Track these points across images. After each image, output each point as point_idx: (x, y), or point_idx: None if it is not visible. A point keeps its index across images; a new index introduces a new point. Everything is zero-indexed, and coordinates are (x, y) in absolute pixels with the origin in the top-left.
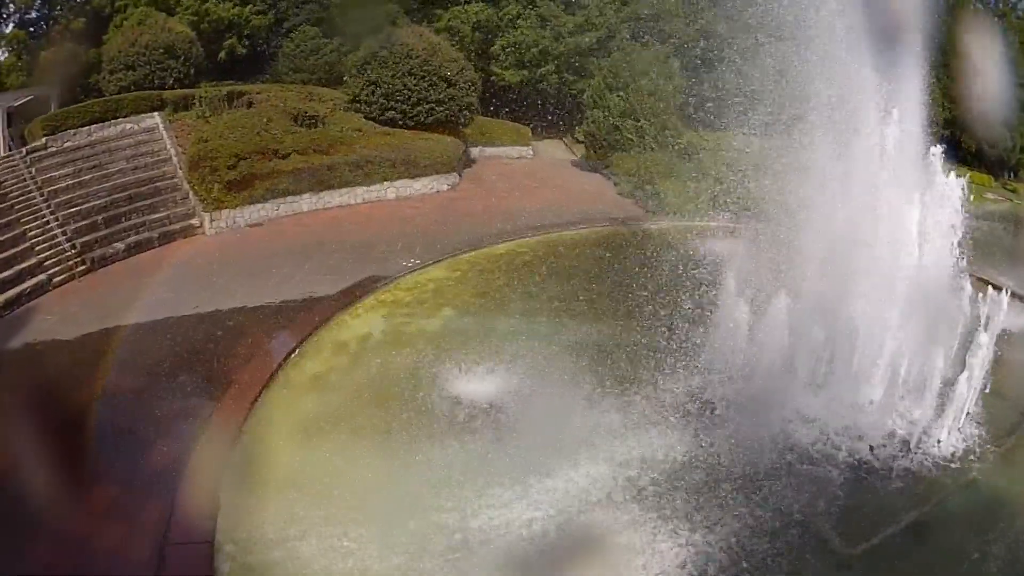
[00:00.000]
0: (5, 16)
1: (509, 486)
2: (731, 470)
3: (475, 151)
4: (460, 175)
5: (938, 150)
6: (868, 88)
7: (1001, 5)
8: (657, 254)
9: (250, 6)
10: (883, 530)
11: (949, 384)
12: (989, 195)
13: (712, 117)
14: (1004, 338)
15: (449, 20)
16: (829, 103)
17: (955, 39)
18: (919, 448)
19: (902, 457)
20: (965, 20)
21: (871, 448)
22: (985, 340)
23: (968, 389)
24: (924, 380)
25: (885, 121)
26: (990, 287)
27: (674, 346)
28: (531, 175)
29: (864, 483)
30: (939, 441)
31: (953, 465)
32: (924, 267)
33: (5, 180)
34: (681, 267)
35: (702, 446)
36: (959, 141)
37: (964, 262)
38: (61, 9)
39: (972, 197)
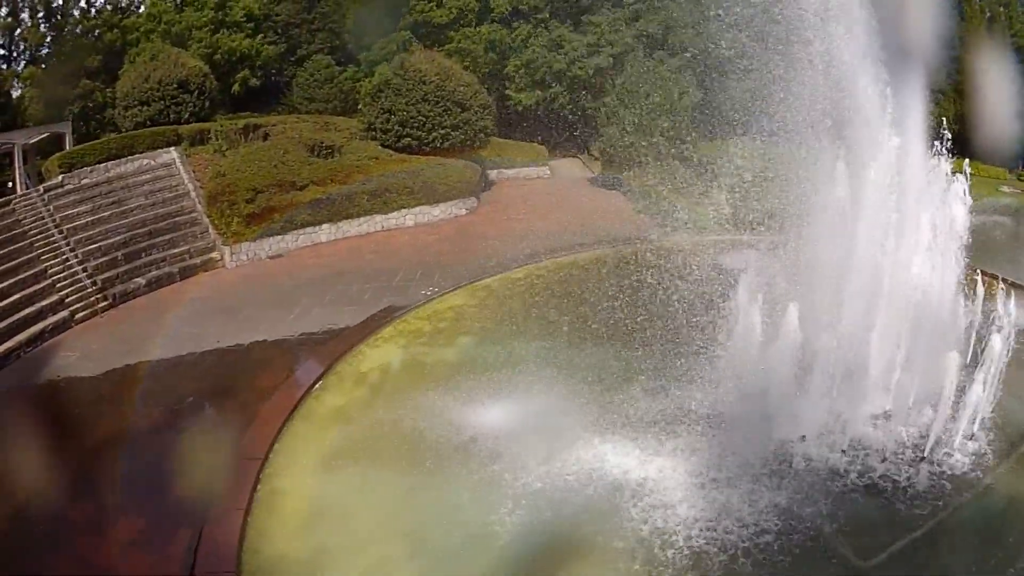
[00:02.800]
0: (16, 54)
1: None
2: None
3: (492, 173)
4: (478, 198)
5: (943, 159)
6: (876, 91)
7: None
8: (677, 272)
9: (261, 36)
10: (897, 541)
11: (963, 389)
12: (1004, 188)
13: (726, 128)
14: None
15: (459, 42)
16: (838, 108)
17: (966, 39)
18: (933, 456)
19: (915, 466)
20: (975, 20)
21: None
22: (998, 341)
23: (982, 394)
24: (937, 386)
25: (893, 126)
26: (1003, 284)
27: (690, 367)
28: (548, 195)
29: (877, 493)
30: (953, 449)
31: (967, 472)
32: (934, 269)
33: (24, 218)
34: (699, 285)
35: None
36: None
37: (971, 260)
38: (73, 45)
39: (985, 191)
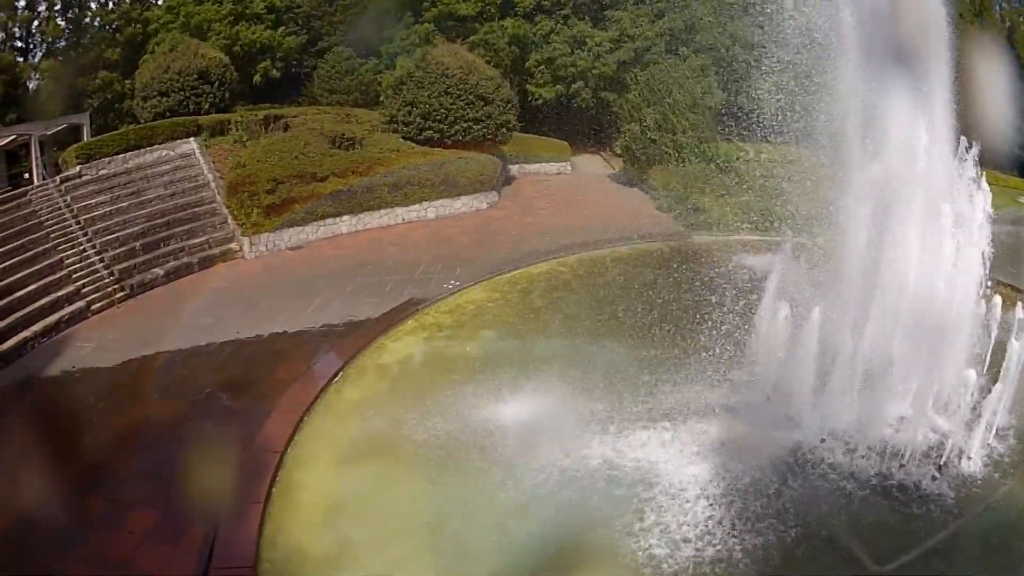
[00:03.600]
0: (33, 46)
1: None
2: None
3: (514, 167)
4: (499, 193)
5: (970, 164)
6: (900, 97)
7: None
8: (698, 271)
9: (282, 28)
10: (913, 546)
11: (981, 397)
12: (1023, 199)
13: (750, 128)
14: None
15: (485, 34)
16: (863, 111)
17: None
18: (950, 463)
19: (932, 472)
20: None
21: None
22: (1017, 350)
23: (1000, 401)
24: (956, 393)
25: (916, 132)
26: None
27: (711, 366)
28: (570, 191)
29: (894, 497)
30: (969, 457)
31: (984, 479)
32: (956, 278)
33: (40, 208)
34: (721, 283)
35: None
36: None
37: (992, 270)
38: (92, 37)
39: (1004, 201)
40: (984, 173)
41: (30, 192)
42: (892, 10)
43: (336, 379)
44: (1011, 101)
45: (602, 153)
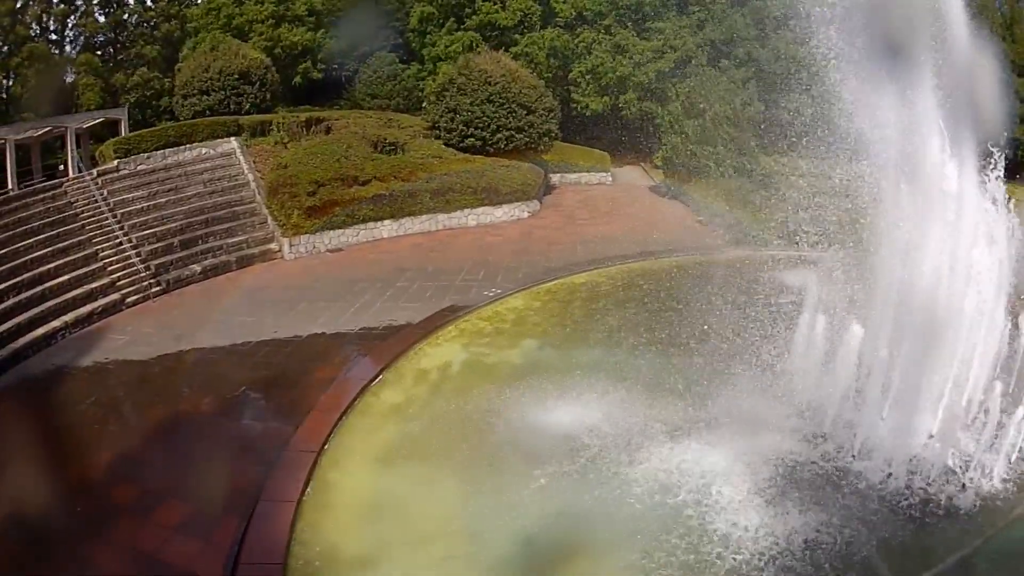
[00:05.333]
0: (70, 40)
1: None
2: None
3: (555, 177)
4: (540, 202)
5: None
6: (928, 115)
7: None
8: (737, 285)
9: (323, 31)
10: (937, 562)
11: (1007, 415)
12: None
13: (789, 143)
14: None
15: (526, 46)
16: (892, 129)
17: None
18: (974, 481)
19: (956, 490)
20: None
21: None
22: None
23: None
24: (982, 411)
25: (943, 148)
26: None
27: (749, 380)
28: (610, 201)
29: (921, 513)
30: (994, 475)
31: (1009, 498)
32: (982, 295)
33: (76, 200)
34: (760, 297)
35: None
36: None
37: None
38: (129, 34)
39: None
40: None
41: (65, 184)
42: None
43: (375, 382)
44: None
45: (642, 164)
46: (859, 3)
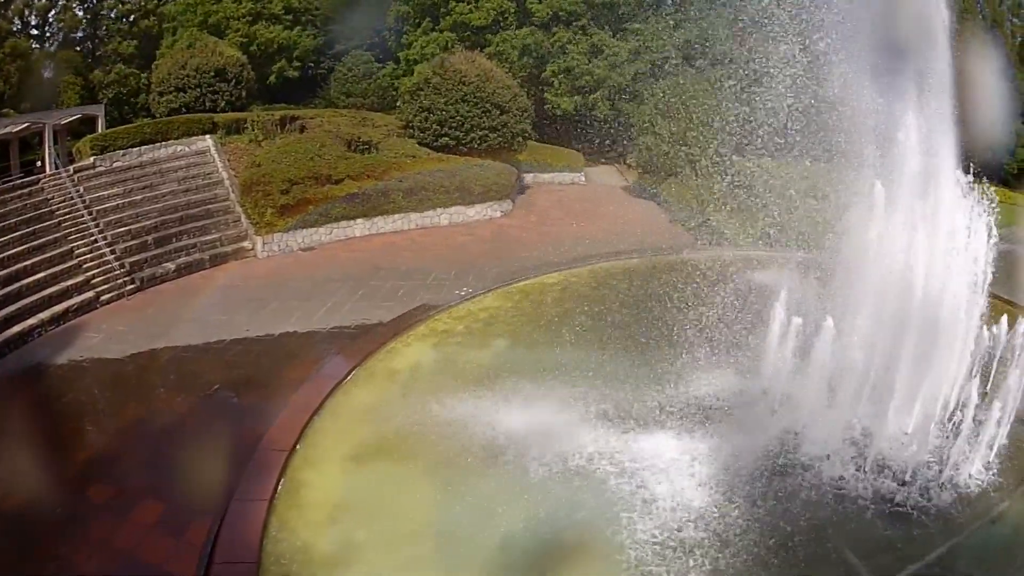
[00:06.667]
0: (49, 35)
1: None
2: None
3: (528, 177)
4: (513, 201)
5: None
6: (905, 117)
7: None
8: (709, 285)
9: (299, 28)
10: (912, 562)
11: (981, 415)
12: None
13: (763, 143)
14: None
15: (499, 45)
16: (870, 132)
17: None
18: (948, 480)
19: (932, 490)
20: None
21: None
22: (1018, 369)
23: (999, 421)
24: (957, 411)
25: (919, 152)
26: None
27: (718, 378)
28: (583, 202)
29: (893, 516)
30: (969, 474)
31: (982, 498)
32: (956, 297)
33: (52, 197)
34: (732, 297)
35: None
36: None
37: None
38: (107, 30)
39: (1010, 218)
40: (991, 188)
41: (43, 180)
42: (901, 24)
43: (346, 381)
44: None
45: (616, 165)
46: (837, 5)
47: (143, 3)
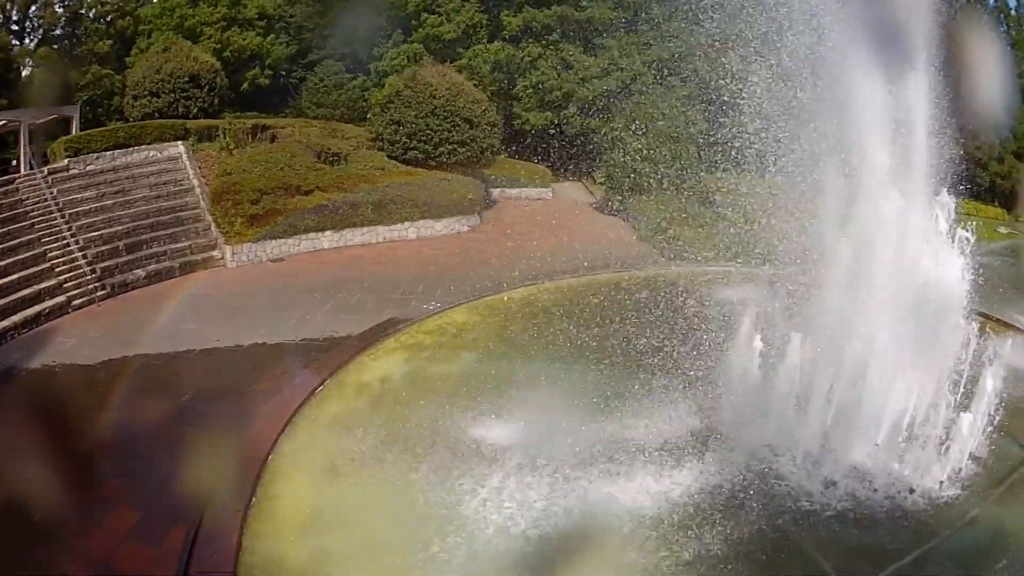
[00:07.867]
0: (30, 31)
1: None
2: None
3: (495, 192)
4: (480, 216)
5: (946, 200)
6: (880, 131)
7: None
8: (674, 300)
9: (272, 36)
10: (884, 570)
11: (953, 424)
12: (1001, 229)
13: (732, 160)
14: (1012, 376)
15: (470, 59)
16: (841, 146)
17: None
18: (921, 488)
19: (904, 497)
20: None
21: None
22: (990, 379)
23: (972, 429)
24: (929, 420)
25: (894, 169)
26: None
27: (686, 392)
28: (550, 217)
29: (865, 523)
30: (941, 482)
31: (954, 504)
32: (931, 306)
33: (27, 198)
34: (697, 312)
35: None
36: (974, 176)
37: (972, 300)
38: (86, 29)
39: (984, 232)
40: (963, 203)
41: (17, 180)
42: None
43: (316, 393)
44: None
45: (583, 181)
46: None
47: (121, 3)
